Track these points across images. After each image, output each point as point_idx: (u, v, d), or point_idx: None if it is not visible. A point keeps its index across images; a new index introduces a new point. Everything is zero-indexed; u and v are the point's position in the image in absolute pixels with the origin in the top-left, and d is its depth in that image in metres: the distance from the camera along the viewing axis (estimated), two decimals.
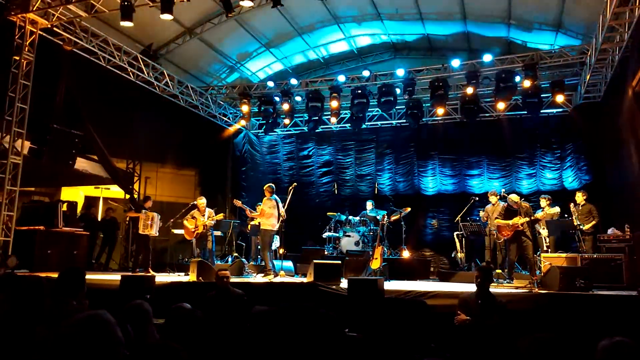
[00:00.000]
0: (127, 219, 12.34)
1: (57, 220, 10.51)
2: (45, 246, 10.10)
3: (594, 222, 9.12)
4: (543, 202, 9.55)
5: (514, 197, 8.87)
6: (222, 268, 7.31)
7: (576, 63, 11.53)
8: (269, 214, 9.62)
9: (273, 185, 10.04)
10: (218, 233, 12.04)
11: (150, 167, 14.15)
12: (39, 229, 10.13)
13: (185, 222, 10.58)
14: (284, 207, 9.87)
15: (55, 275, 4.87)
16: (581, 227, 8.96)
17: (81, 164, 11.65)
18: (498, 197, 10.04)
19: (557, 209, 9.30)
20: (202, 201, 10.57)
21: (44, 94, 10.09)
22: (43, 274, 6.86)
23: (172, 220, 11.08)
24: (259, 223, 10.67)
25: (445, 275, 9.88)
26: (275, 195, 9.85)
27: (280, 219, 9.77)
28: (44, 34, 9.94)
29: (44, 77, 9.97)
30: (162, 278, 8.76)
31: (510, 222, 8.63)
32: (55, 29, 10.04)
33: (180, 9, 9.62)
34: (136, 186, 13.36)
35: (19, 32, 9.45)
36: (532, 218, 8.64)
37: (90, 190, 14.65)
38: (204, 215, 10.51)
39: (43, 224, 10.28)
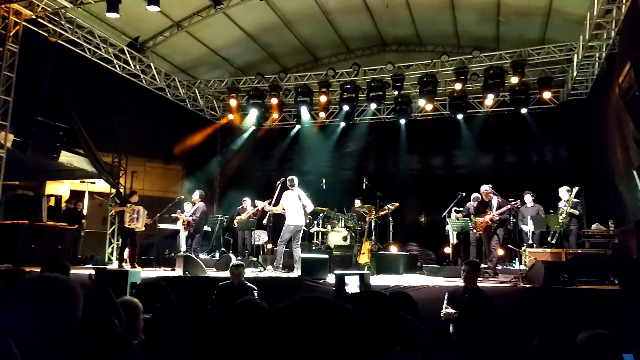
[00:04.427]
0: (113, 213, 12.20)
1: (41, 215, 10.37)
2: (30, 240, 9.95)
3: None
4: (565, 195, 9.57)
5: (483, 188, 9.05)
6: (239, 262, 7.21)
7: (563, 60, 11.62)
8: (289, 208, 9.25)
9: (294, 178, 9.61)
10: (207, 228, 12.03)
11: (137, 161, 14.02)
12: (22, 223, 9.98)
13: (182, 214, 10.89)
14: (271, 202, 9.78)
15: (38, 269, 4.81)
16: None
17: (66, 157, 11.50)
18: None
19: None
20: (194, 196, 10.86)
21: (28, 86, 9.92)
22: (27, 269, 6.77)
23: (158, 214, 11.02)
24: (249, 218, 10.73)
25: (433, 270, 9.92)
26: (297, 188, 9.46)
27: (305, 212, 9.38)
28: (28, 25, 9.78)
29: (28, 68, 9.81)
30: (148, 273, 8.69)
31: (478, 219, 9.00)
32: (39, 19, 9.88)
33: (168, 2, 9.52)
34: (122, 180, 13.22)
35: (2, 23, 9.27)
36: (501, 212, 8.84)
37: (76, 185, 14.50)
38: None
39: (27, 218, 10.12)
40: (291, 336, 1.12)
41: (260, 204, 10.36)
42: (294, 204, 9.26)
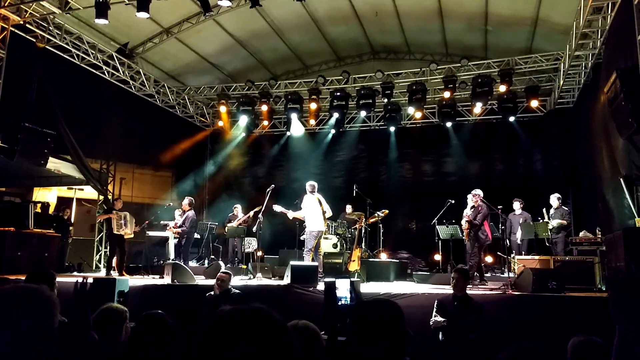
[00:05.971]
0: (100, 220, 12.08)
1: (28, 222, 10.25)
2: (16, 248, 9.82)
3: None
4: (555, 202, 9.62)
5: (477, 192, 9.13)
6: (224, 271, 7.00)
7: (550, 69, 11.76)
8: (310, 213, 9.17)
9: (315, 183, 9.53)
10: (196, 236, 11.94)
11: (126, 167, 13.92)
12: (9, 230, 9.85)
13: (170, 225, 10.78)
14: (261, 210, 9.72)
15: (24, 277, 4.74)
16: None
17: (54, 164, 11.39)
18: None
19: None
20: (184, 203, 10.71)
21: (15, 91, 9.83)
22: (12, 277, 6.67)
23: (147, 222, 10.94)
24: (239, 225, 10.63)
25: (422, 277, 9.94)
26: (316, 193, 9.36)
27: (324, 217, 9.26)
28: (16, 31, 9.70)
29: (16, 74, 9.72)
30: (136, 281, 8.60)
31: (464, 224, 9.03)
32: (28, 25, 9.81)
33: (157, 8, 9.49)
34: (111, 187, 13.11)
35: None
36: (473, 217, 8.87)
37: (64, 191, 14.35)
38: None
39: (13, 225, 10.00)
40: (219, 348, 1.05)
41: (278, 209, 9.66)
42: (315, 209, 9.17)
